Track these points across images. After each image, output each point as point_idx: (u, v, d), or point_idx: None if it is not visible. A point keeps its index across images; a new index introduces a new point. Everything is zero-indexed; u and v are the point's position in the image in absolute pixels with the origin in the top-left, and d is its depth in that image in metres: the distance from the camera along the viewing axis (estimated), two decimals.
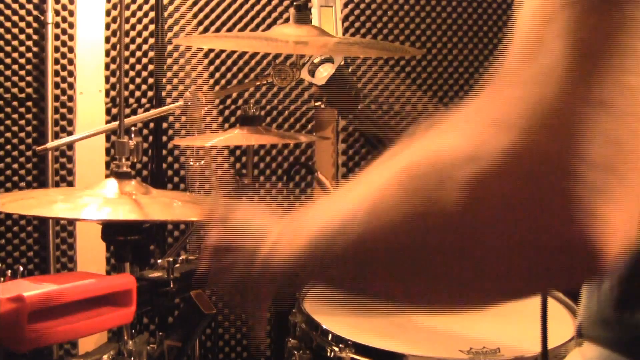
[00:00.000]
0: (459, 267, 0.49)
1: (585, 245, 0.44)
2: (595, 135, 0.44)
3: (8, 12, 2.24)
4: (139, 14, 2.35)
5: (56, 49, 2.28)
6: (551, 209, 0.44)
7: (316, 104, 2.48)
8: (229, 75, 2.46)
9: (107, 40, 2.33)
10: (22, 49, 2.26)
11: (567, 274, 0.46)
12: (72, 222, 2.33)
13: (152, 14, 2.33)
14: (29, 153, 2.30)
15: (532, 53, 0.48)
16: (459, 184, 0.47)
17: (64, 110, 2.31)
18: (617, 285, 0.63)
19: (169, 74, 2.39)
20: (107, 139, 2.32)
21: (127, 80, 2.34)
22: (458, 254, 0.48)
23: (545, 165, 0.44)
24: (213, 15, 2.43)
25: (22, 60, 2.27)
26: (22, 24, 2.26)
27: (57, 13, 2.27)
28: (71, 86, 2.31)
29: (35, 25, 2.27)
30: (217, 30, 2.43)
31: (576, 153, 0.44)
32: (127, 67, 2.34)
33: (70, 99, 2.31)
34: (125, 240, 1.42)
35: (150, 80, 2.37)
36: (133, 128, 1.50)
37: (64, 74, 2.30)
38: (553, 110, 0.45)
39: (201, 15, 2.42)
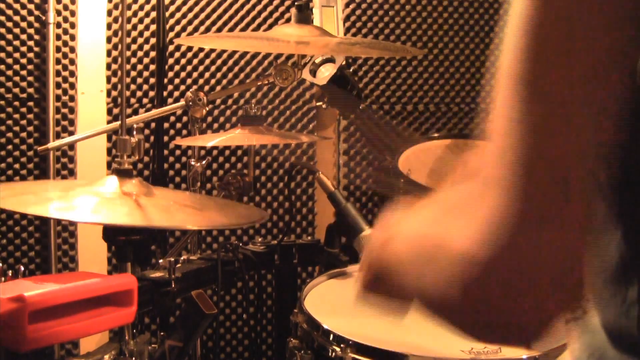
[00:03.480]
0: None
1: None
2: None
3: (9, 12, 2.24)
4: (141, 13, 2.36)
5: (57, 49, 2.28)
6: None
7: (317, 104, 2.48)
8: (230, 75, 2.46)
9: (109, 40, 2.33)
10: (24, 49, 2.27)
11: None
12: (73, 222, 2.33)
13: (153, 14, 2.33)
14: (30, 153, 2.30)
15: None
16: (454, 278, 0.56)
17: (65, 110, 2.31)
18: (599, 276, 0.63)
19: (171, 73, 2.39)
20: (109, 139, 2.32)
21: (128, 80, 2.34)
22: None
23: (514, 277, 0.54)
24: (214, 15, 2.43)
25: (24, 60, 2.27)
26: (24, 24, 2.26)
27: (58, 13, 2.27)
28: (72, 86, 2.31)
29: (36, 25, 2.27)
30: (219, 30, 2.43)
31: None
32: (128, 67, 2.34)
33: (72, 99, 2.31)
34: (127, 241, 1.41)
35: (152, 80, 2.37)
36: (135, 126, 1.50)
37: (66, 74, 2.30)
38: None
39: (203, 15, 2.42)
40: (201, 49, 2.42)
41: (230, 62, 2.45)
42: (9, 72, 2.26)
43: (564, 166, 0.52)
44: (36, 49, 2.28)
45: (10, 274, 1.15)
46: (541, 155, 0.52)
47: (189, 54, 2.41)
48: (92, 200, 1.35)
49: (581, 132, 0.52)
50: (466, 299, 0.55)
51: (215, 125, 2.44)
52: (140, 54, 2.37)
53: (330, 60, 2.11)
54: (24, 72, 2.27)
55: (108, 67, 2.34)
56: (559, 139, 0.52)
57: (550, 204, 0.52)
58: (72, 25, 2.30)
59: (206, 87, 2.43)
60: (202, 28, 2.42)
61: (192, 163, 1.84)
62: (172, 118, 2.40)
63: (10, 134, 2.28)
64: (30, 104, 2.29)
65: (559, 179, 0.52)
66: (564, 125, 0.52)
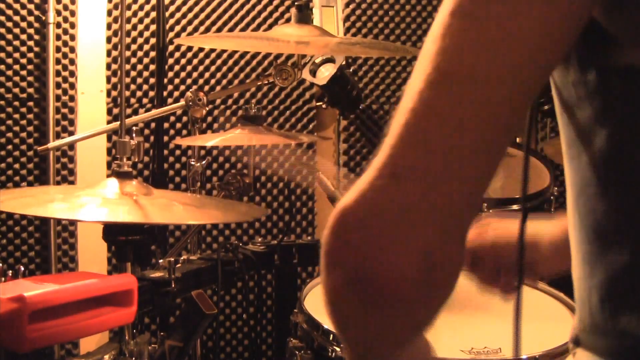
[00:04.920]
0: None
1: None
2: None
3: (9, 12, 2.24)
4: (141, 13, 2.36)
5: (57, 49, 2.28)
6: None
7: (317, 104, 2.48)
8: (230, 75, 2.46)
9: (109, 40, 2.33)
10: (24, 49, 2.27)
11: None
12: (73, 222, 2.33)
13: (153, 14, 2.33)
14: (30, 153, 2.30)
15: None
16: None
17: (65, 110, 2.31)
18: (606, 295, 0.63)
19: (170, 73, 2.39)
20: (109, 139, 2.32)
21: (128, 80, 2.34)
22: None
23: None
24: (214, 15, 2.43)
25: (24, 60, 2.27)
26: (24, 24, 2.26)
27: (58, 13, 2.27)
28: (72, 86, 2.31)
29: (36, 25, 2.27)
30: (219, 30, 2.43)
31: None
32: (128, 67, 2.34)
33: (72, 99, 2.31)
34: (127, 241, 1.41)
35: (152, 80, 2.37)
36: (134, 128, 1.50)
37: (65, 74, 2.30)
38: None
39: (203, 15, 2.42)
40: (201, 49, 2.42)
41: (230, 62, 2.45)
42: (9, 72, 2.26)
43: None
44: (36, 49, 2.28)
45: (10, 274, 1.15)
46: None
47: (189, 54, 2.41)
48: (92, 200, 1.35)
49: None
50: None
51: (215, 125, 2.44)
52: (140, 54, 2.37)
53: (330, 60, 2.11)
54: (24, 72, 2.27)
55: (108, 67, 2.34)
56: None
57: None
58: (72, 25, 2.30)
59: (206, 87, 2.43)
60: (202, 28, 2.42)
61: (192, 163, 1.84)
62: (172, 118, 2.40)
63: (10, 134, 2.28)
64: (30, 104, 2.29)
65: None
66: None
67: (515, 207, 1.83)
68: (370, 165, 0.58)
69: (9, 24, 2.24)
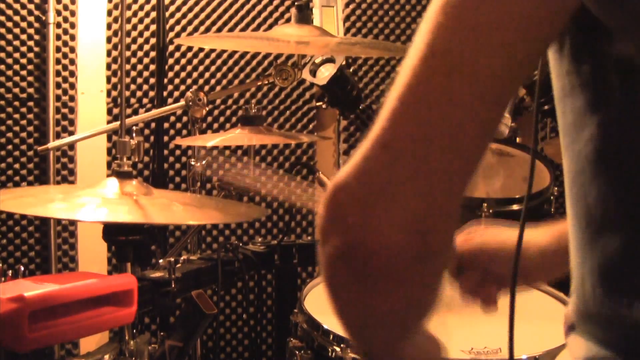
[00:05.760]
0: None
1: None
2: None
3: (9, 12, 2.24)
4: (141, 13, 2.36)
5: (57, 49, 2.28)
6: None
7: (317, 104, 2.48)
8: (230, 75, 2.46)
9: (109, 40, 2.33)
10: (24, 49, 2.27)
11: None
12: (73, 222, 2.33)
13: (153, 14, 2.33)
14: (30, 153, 2.30)
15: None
16: None
17: (65, 110, 2.31)
18: (598, 280, 0.63)
19: (171, 73, 2.39)
20: (109, 139, 2.32)
21: (128, 80, 2.34)
22: None
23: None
24: (214, 15, 2.43)
25: (24, 60, 2.27)
26: (24, 24, 2.26)
27: (58, 13, 2.27)
28: (72, 86, 2.31)
29: (36, 25, 2.27)
30: (219, 30, 2.43)
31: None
32: (128, 67, 2.34)
33: (72, 99, 2.31)
34: (127, 241, 1.41)
35: (152, 80, 2.37)
36: (134, 128, 1.50)
37: (66, 74, 2.30)
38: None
39: (203, 15, 2.42)
40: (201, 49, 2.42)
41: (230, 62, 2.45)
42: (9, 72, 2.26)
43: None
44: (36, 49, 2.28)
45: (10, 274, 1.15)
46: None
47: (189, 54, 2.41)
48: (93, 200, 1.35)
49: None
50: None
51: (216, 125, 2.44)
52: (140, 54, 2.37)
53: (330, 60, 2.12)
54: (24, 72, 2.27)
55: (108, 67, 2.34)
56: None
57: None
58: (72, 25, 2.30)
59: (206, 87, 2.43)
60: (202, 28, 2.42)
61: (192, 163, 1.84)
62: (172, 118, 2.40)
63: (10, 134, 2.28)
64: (30, 104, 2.29)
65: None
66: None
67: (515, 207, 1.83)
68: (365, 139, 0.58)
69: (9, 24, 2.24)
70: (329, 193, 0.58)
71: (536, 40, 0.57)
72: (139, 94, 2.38)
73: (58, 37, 2.28)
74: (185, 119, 2.39)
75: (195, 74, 2.42)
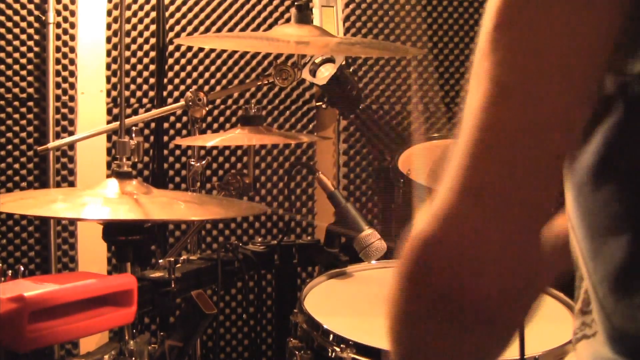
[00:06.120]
0: None
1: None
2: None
3: (9, 12, 2.24)
4: (140, 13, 2.36)
5: (57, 49, 2.28)
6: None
7: (317, 104, 2.48)
8: (230, 75, 2.46)
9: (109, 40, 2.33)
10: (24, 49, 2.27)
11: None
12: (73, 222, 2.33)
13: (153, 14, 2.33)
14: (30, 153, 2.30)
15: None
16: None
17: (65, 110, 2.31)
18: (611, 289, 0.63)
19: (170, 73, 2.39)
20: (109, 139, 2.32)
21: (128, 80, 2.34)
22: None
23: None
24: (214, 15, 2.43)
25: (24, 60, 2.27)
26: (24, 24, 2.26)
27: (58, 13, 2.27)
28: (72, 86, 2.31)
29: (36, 25, 2.27)
30: (219, 30, 2.43)
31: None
32: (128, 67, 2.34)
33: (72, 99, 2.31)
34: (127, 240, 1.41)
35: (152, 80, 2.37)
36: (134, 128, 1.50)
37: (65, 74, 2.30)
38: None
39: (203, 15, 2.42)
40: (201, 49, 2.42)
41: (230, 62, 2.45)
42: (9, 72, 2.26)
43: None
44: (36, 49, 2.28)
45: (10, 274, 1.15)
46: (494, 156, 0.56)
47: (189, 54, 2.41)
48: (93, 200, 1.35)
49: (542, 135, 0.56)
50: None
51: (215, 125, 2.44)
52: (140, 54, 2.37)
53: (330, 60, 2.11)
54: (23, 72, 2.27)
55: (108, 67, 2.34)
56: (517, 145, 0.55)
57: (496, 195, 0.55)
58: (72, 25, 2.30)
59: (206, 87, 2.43)
60: (202, 28, 2.42)
61: (192, 163, 1.84)
62: (172, 118, 2.40)
63: (10, 134, 2.28)
64: (30, 104, 2.29)
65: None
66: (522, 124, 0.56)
67: None
68: (438, 191, 0.57)
69: (9, 24, 2.24)
70: (414, 247, 0.57)
71: (598, 60, 0.56)
72: (138, 94, 2.38)
73: (58, 37, 2.28)
74: (185, 119, 2.39)
75: (195, 74, 2.42)
